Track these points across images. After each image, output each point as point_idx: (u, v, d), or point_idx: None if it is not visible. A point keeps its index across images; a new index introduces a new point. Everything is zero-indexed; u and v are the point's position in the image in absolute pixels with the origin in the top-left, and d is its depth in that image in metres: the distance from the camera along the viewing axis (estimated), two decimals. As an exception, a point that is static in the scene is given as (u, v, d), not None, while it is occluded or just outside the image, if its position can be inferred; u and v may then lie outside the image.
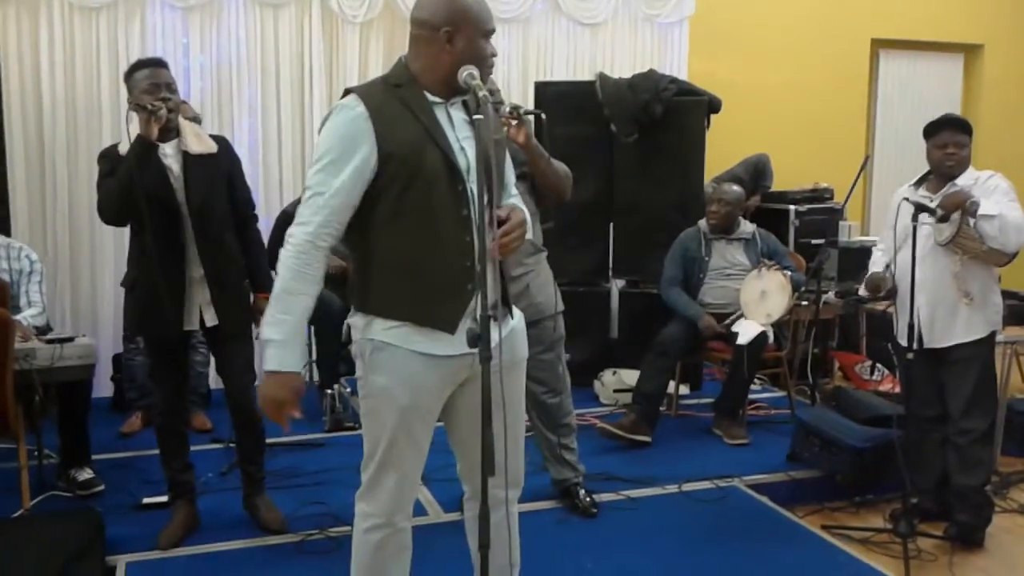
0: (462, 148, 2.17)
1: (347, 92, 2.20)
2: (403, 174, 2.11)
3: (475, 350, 1.99)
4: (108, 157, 3.28)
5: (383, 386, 2.18)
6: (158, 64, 3.26)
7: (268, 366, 2.13)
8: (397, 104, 2.14)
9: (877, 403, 4.53)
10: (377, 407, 2.22)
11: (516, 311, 2.39)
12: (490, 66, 2.23)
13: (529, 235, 2.31)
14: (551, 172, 3.51)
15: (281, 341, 2.12)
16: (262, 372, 2.17)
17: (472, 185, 2.14)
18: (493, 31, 2.21)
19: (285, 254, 2.12)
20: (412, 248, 2.15)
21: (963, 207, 3.29)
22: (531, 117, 3.46)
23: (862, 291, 3.84)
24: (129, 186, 3.09)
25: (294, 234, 2.13)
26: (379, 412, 2.22)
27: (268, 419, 2.19)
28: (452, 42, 2.13)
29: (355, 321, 2.24)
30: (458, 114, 2.21)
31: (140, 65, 3.25)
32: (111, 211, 3.24)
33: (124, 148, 3.18)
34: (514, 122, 3.31)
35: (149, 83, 3.17)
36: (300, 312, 2.13)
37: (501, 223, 2.09)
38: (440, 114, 2.18)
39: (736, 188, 5.04)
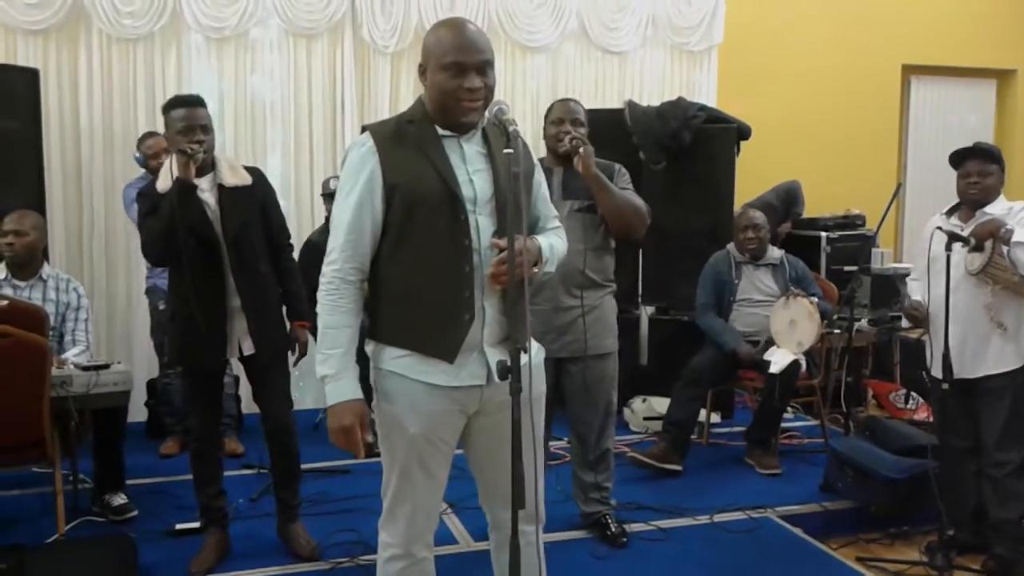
0: (470, 180, 2.19)
1: (364, 129, 2.25)
2: (406, 205, 2.16)
3: (482, 383, 2.11)
4: (148, 196, 3.32)
5: (393, 415, 2.22)
6: (194, 104, 3.29)
7: (328, 401, 2.18)
8: (406, 139, 2.20)
9: (911, 433, 4.45)
10: (389, 435, 2.25)
11: (534, 344, 2.35)
12: (467, 100, 2.14)
13: (550, 267, 2.31)
14: (615, 204, 3.45)
15: (334, 375, 2.18)
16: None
17: (478, 217, 2.17)
18: (458, 64, 2.12)
19: (320, 292, 2.20)
20: (413, 277, 2.19)
21: (996, 235, 3.26)
22: (591, 148, 3.39)
23: (904, 321, 3.80)
24: (171, 225, 3.15)
25: (325, 272, 2.20)
26: (391, 440, 2.25)
27: (342, 450, 2.21)
28: (425, 76, 2.20)
29: (368, 349, 2.29)
30: (471, 148, 2.23)
31: (177, 103, 3.29)
32: (156, 251, 3.30)
33: (161, 185, 3.24)
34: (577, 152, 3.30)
35: (184, 125, 3.22)
36: (346, 344, 2.19)
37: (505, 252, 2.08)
38: (451, 147, 2.20)
39: (760, 213, 5.04)
